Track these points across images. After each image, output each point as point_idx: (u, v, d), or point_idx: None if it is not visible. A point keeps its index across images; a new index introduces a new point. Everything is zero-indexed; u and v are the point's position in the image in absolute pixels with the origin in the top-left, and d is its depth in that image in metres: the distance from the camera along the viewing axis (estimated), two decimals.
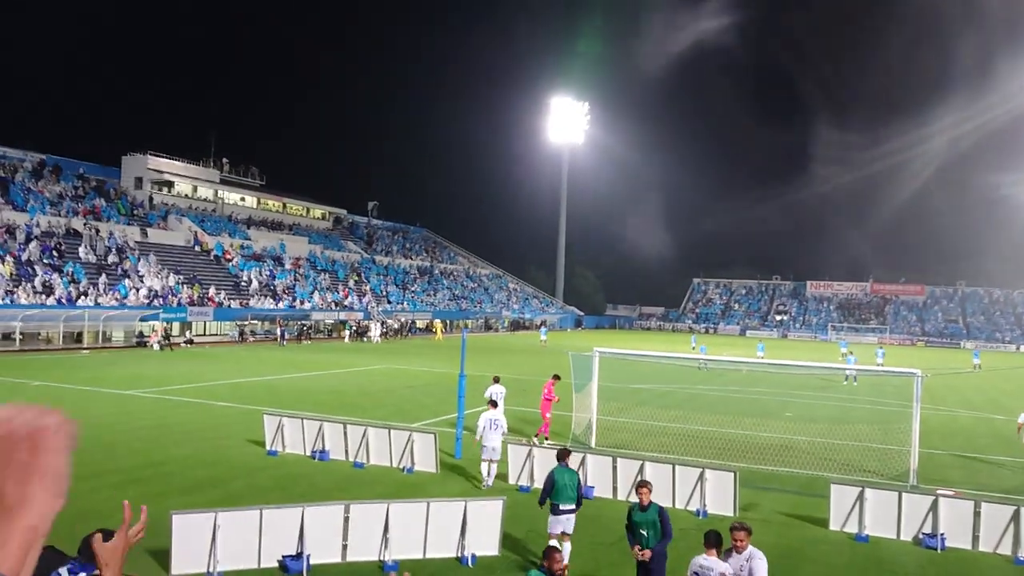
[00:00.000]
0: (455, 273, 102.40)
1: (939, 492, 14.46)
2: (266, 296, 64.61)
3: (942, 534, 13.27)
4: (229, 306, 59.48)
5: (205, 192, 79.17)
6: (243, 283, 64.90)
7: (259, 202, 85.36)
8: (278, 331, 58.05)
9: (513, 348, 60.85)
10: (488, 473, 16.20)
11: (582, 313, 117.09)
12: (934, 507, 13.53)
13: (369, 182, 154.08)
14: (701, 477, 15.03)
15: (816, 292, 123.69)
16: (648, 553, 9.45)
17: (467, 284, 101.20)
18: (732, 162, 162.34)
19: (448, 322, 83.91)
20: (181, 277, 58.73)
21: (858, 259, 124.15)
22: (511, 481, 16.34)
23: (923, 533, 13.48)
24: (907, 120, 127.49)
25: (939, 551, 13.04)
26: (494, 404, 17.22)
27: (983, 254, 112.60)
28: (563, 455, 12.19)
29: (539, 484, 16.08)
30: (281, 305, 64.38)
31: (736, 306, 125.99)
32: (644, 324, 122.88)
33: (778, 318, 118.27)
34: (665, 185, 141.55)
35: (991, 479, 18.58)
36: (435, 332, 73.82)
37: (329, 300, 70.95)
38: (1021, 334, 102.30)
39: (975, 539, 13.20)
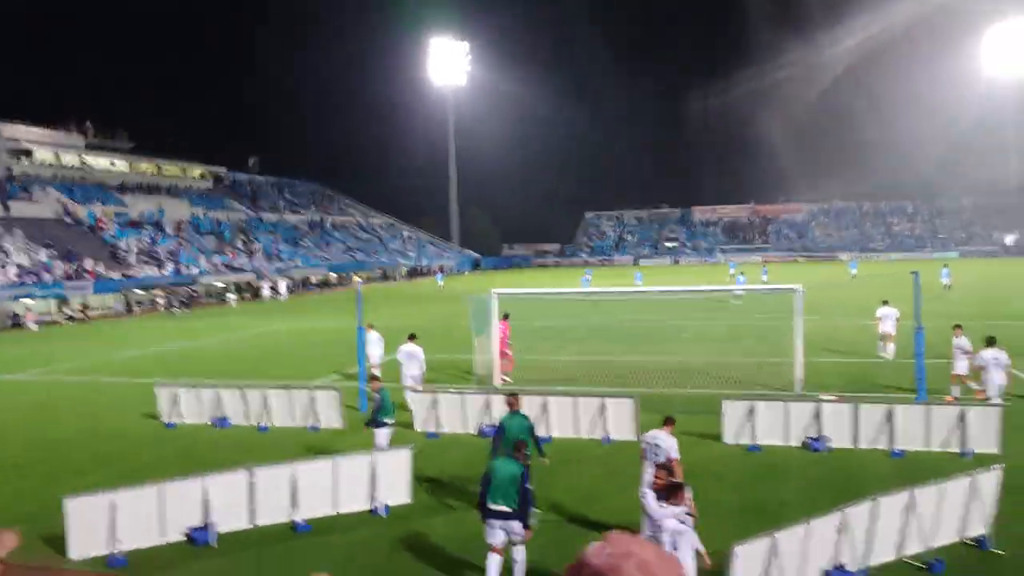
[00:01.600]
0: (347, 225, 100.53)
1: (822, 398, 15.42)
2: (149, 264, 61.85)
3: (826, 436, 14.21)
4: (110, 277, 56.68)
5: (70, 159, 74.46)
6: (122, 252, 61.86)
7: (131, 166, 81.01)
8: (166, 299, 55.80)
9: (411, 296, 60.61)
10: (412, 391, 17.69)
11: (479, 255, 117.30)
12: (818, 413, 14.44)
13: (248, 137, 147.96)
14: (603, 406, 15.52)
15: (703, 217, 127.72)
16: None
17: (361, 236, 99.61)
18: (615, 95, 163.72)
19: (343, 275, 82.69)
20: (53, 251, 55.46)
21: (741, 183, 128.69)
22: (417, 428, 16.46)
23: (809, 437, 14.39)
24: (779, 45, 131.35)
25: (824, 452, 13.97)
26: (412, 337, 18.91)
27: (855, 170, 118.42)
28: (511, 401, 11.82)
29: (446, 430, 16.34)
30: (166, 272, 61.77)
31: (628, 237, 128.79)
32: (541, 261, 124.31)
33: (668, 245, 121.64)
34: (552, 122, 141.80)
35: (868, 381, 19.90)
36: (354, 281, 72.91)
37: (217, 263, 68.55)
38: (891, 243, 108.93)
39: (855, 438, 14.20)
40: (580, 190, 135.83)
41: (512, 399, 11.89)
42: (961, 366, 17.11)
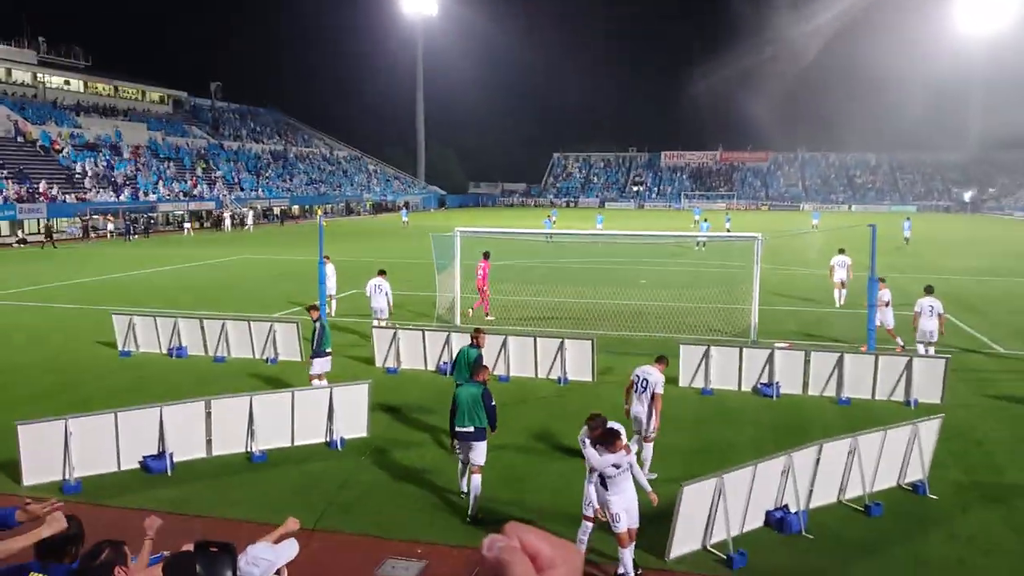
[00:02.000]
0: (311, 157, 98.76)
1: (775, 345, 15.75)
2: (105, 188, 60.33)
3: (777, 383, 14.56)
4: (64, 200, 55.25)
5: (21, 75, 71.65)
6: (77, 175, 60.22)
7: (87, 86, 78.26)
8: (124, 226, 54.63)
9: (375, 231, 60.11)
10: (378, 323, 18.20)
11: (445, 193, 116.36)
12: (770, 359, 14.76)
13: (210, 63, 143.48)
14: (561, 347, 15.68)
15: (670, 163, 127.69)
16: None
17: (324, 167, 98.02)
18: (588, 35, 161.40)
19: (306, 207, 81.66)
20: (5, 171, 53.79)
21: (709, 129, 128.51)
22: (377, 364, 16.51)
23: (761, 383, 14.74)
24: None
25: (774, 398, 14.33)
26: (382, 272, 19.15)
27: (821, 121, 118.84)
28: (474, 336, 12.29)
29: (406, 365, 16.42)
30: (123, 197, 60.37)
31: (595, 179, 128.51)
32: (507, 201, 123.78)
33: (635, 189, 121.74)
34: (523, 60, 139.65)
35: (821, 329, 20.35)
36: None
37: (176, 190, 67.11)
38: (852, 195, 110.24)
39: (805, 385, 14.58)
40: (549, 130, 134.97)
41: (477, 334, 12.33)
42: (889, 318, 17.63)
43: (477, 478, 9.50)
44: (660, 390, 10.62)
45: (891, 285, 18.54)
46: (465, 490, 9.85)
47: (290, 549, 4.21)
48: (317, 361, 13.93)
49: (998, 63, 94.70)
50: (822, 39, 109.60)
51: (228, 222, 62.86)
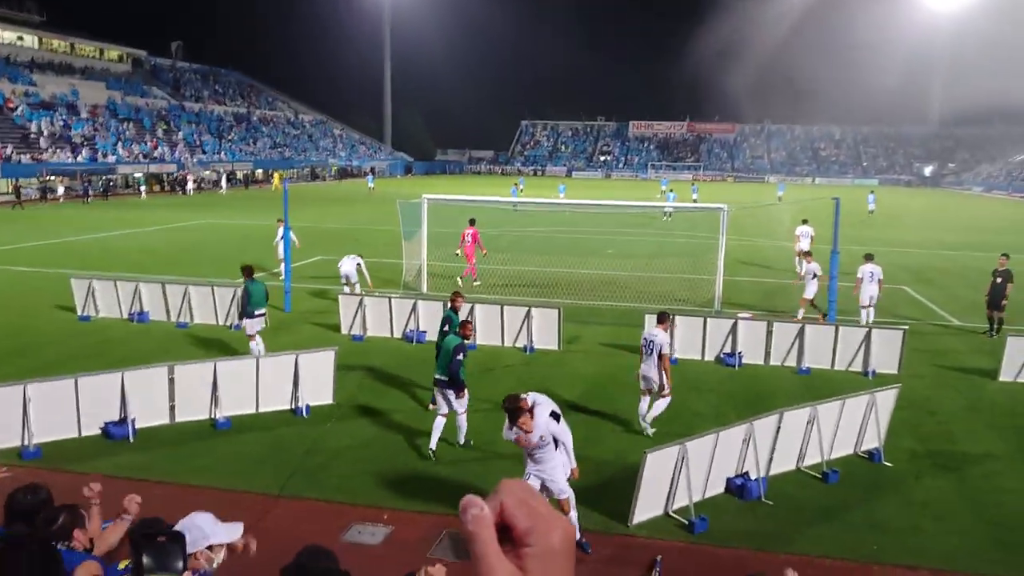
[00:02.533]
0: (275, 120, 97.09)
1: (738, 316, 15.96)
2: (62, 148, 58.82)
3: (740, 352, 14.79)
4: (19, 161, 53.80)
5: None
6: (33, 134, 58.60)
7: (41, 42, 75.84)
8: (82, 187, 53.36)
9: (340, 197, 59.49)
10: (347, 289, 18.38)
11: (412, 159, 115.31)
12: (733, 329, 14.97)
13: (170, 20, 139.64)
14: (527, 315, 15.74)
15: (638, 132, 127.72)
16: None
17: (289, 131, 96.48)
18: (559, 2, 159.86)
19: (271, 172, 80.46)
20: None
21: (677, 100, 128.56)
22: (343, 331, 16.44)
23: (724, 353, 14.96)
24: None
25: (736, 368, 14.56)
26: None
27: (787, 93, 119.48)
28: (454, 300, 12.39)
29: (372, 332, 16.38)
30: (81, 159, 58.94)
31: (563, 148, 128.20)
32: (474, 168, 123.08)
33: (602, 159, 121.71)
34: (493, 26, 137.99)
35: (784, 301, 20.65)
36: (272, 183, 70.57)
37: (136, 152, 65.65)
38: (817, 168, 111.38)
39: (767, 355, 14.83)
40: (517, 98, 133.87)
41: (455, 297, 12.43)
42: (810, 290, 17.94)
43: (463, 418, 10.47)
44: (666, 351, 11.22)
45: (851, 258, 18.89)
46: (434, 448, 10.25)
47: (232, 530, 4.11)
48: (248, 322, 14.12)
49: (961, 38, 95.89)
50: (790, 11, 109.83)
51: (191, 185, 61.76)
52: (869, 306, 17.26)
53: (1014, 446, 11.07)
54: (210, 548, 3.97)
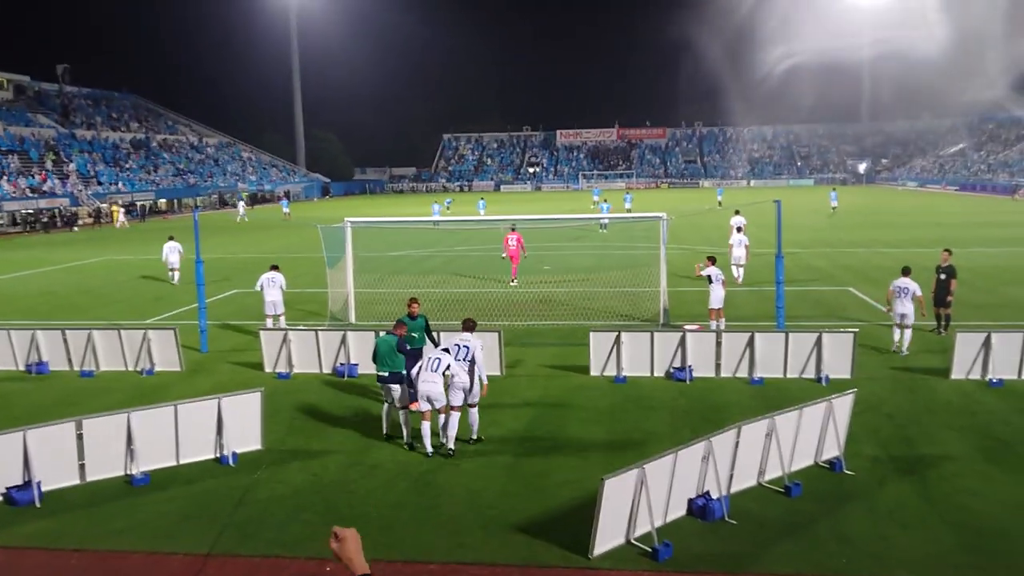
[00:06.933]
0: (177, 145, 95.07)
1: (686, 328, 16.20)
2: None
3: (690, 366, 14.99)
4: None
5: None
6: None
7: None
8: None
9: (253, 224, 58.45)
10: (275, 324, 18.84)
11: (328, 180, 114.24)
12: (682, 343, 15.17)
13: (55, 41, 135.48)
14: None
15: (566, 141, 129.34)
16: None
17: (193, 156, 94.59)
18: (475, 11, 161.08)
19: (175, 201, 78.66)
20: None
21: (605, 106, 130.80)
22: (267, 369, 16.09)
23: (673, 368, 15.14)
24: None
25: (687, 382, 14.76)
26: (274, 267, 19.42)
27: (717, 95, 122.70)
28: (411, 305, 14.09)
29: (299, 368, 16.08)
30: None
31: (489, 161, 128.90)
32: (396, 187, 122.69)
33: (531, 170, 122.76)
34: (408, 38, 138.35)
35: (731, 309, 21.03)
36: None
37: (23, 186, 63.37)
38: (751, 170, 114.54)
39: (717, 367, 15.07)
40: (438, 111, 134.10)
41: (411, 303, 14.11)
42: (715, 297, 18.10)
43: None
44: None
45: (797, 262, 19.37)
46: (385, 429, 12.18)
47: None
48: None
49: (887, 33, 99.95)
50: (717, 12, 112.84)
51: (121, 215, 60.38)
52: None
53: (971, 446, 11.47)
54: None
